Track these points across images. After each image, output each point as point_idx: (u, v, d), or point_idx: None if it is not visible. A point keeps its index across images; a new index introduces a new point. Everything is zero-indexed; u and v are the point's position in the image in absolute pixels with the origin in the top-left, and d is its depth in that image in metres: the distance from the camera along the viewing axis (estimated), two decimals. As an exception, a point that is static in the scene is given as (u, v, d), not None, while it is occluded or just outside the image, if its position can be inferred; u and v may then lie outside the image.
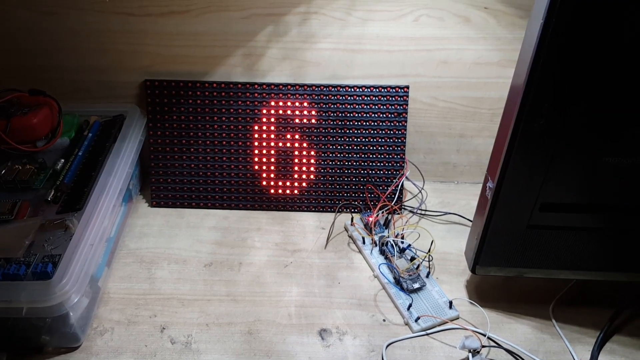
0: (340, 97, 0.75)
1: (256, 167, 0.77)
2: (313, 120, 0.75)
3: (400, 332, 0.60)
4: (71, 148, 0.71)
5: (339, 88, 0.75)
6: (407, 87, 0.75)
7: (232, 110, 0.75)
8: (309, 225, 0.75)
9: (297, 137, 0.76)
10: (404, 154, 0.76)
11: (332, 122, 0.76)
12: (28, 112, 0.68)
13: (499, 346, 0.58)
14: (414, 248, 0.69)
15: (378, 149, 0.76)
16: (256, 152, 0.76)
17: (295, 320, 0.62)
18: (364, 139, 0.76)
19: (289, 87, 0.75)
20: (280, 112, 0.75)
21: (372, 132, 0.76)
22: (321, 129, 0.76)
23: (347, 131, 0.76)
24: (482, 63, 0.75)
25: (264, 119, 0.75)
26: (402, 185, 0.77)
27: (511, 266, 0.60)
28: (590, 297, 0.64)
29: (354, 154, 0.76)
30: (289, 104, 0.75)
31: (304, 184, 0.77)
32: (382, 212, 0.75)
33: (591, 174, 0.52)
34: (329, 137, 0.76)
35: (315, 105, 0.75)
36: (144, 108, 0.76)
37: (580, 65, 0.45)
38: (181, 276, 0.67)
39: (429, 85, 0.77)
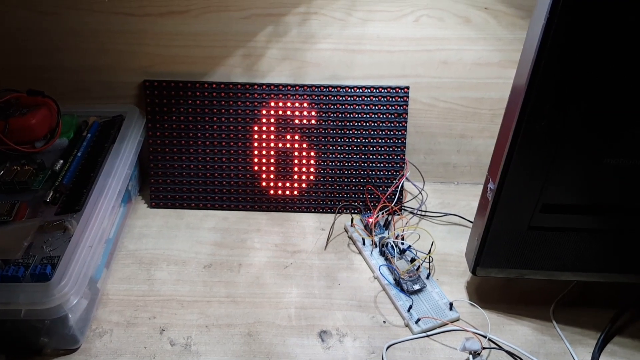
0: (340, 98, 0.75)
1: (256, 168, 0.77)
2: (313, 121, 0.75)
3: (400, 334, 0.60)
4: (70, 149, 0.71)
5: (339, 89, 0.75)
6: (408, 87, 0.75)
7: (231, 110, 0.75)
8: (309, 226, 0.75)
9: (297, 137, 0.76)
10: (404, 155, 0.76)
11: (332, 123, 0.75)
12: (26, 112, 0.68)
13: (500, 348, 0.58)
14: (414, 249, 0.69)
15: (378, 149, 0.76)
16: (256, 152, 0.76)
17: (295, 321, 0.61)
18: (364, 140, 0.76)
19: (289, 87, 0.75)
20: (280, 112, 0.75)
21: (372, 132, 0.75)
22: (321, 129, 0.76)
23: (347, 132, 0.76)
24: (482, 63, 0.75)
25: (264, 120, 0.75)
26: (402, 186, 0.76)
27: (512, 267, 0.59)
28: (591, 298, 0.64)
29: (354, 155, 0.76)
30: (288, 104, 0.75)
31: (303, 185, 0.77)
32: (382, 213, 0.75)
33: (592, 175, 0.52)
34: (328, 137, 0.76)
35: (315, 106, 0.75)
36: (143, 108, 0.76)
37: (582, 66, 0.45)
38: (180, 277, 0.66)
39: (429, 86, 0.76)
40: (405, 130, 0.75)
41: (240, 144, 0.76)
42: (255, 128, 0.75)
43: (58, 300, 0.51)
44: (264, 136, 0.76)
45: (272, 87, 0.75)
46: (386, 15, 0.72)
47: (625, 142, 0.49)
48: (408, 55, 0.74)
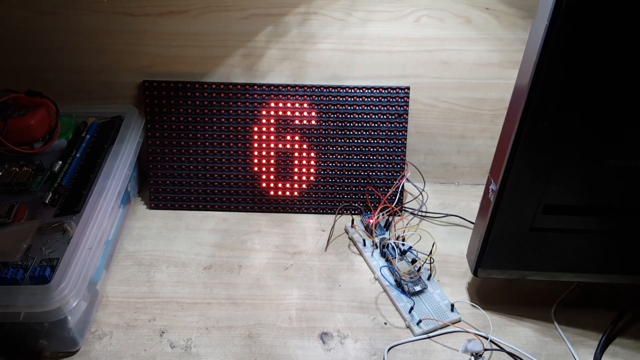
0: (341, 98, 0.74)
1: (256, 169, 0.76)
2: (313, 122, 0.75)
3: (401, 336, 0.60)
4: (69, 150, 0.70)
5: (339, 89, 0.74)
6: (408, 88, 0.74)
7: (231, 111, 0.75)
8: (309, 227, 0.75)
9: (297, 138, 0.75)
10: (404, 155, 0.76)
11: (332, 123, 0.75)
12: (25, 113, 0.67)
13: (502, 349, 0.58)
14: (415, 250, 0.68)
15: (378, 150, 0.76)
16: (256, 153, 0.76)
17: (296, 323, 0.61)
18: (364, 140, 0.75)
19: (289, 87, 0.74)
20: (280, 113, 0.75)
21: (372, 133, 0.75)
22: (321, 130, 0.75)
23: (348, 132, 0.75)
24: (483, 64, 0.74)
25: (264, 120, 0.75)
26: (402, 186, 0.76)
27: (513, 268, 0.59)
28: (592, 299, 0.64)
29: (354, 155, 0.76)
30: (288, 105, 0.75)
31: (304, 186, 0.77)
32: (383, 214, 0.74)
33: (595, 176, 0.52)
34: (329, 138, 0.75)
35: (316, 106, 0.75)
36: (142, 109, 0.75)
37: (585, 67, 0.45)
38: (180, 279, 0.66)
39: (430, 86, 0.76)
40: (406, 131, 0.75)
41: (240, 144, 0.76)
42: (255, 128, 0.75)
43: (57, 303, 0.51)
44: (264, 137, 0.75)
45: (272, 87, 0.74)
46: (386, 15, 0.71)
47: (628, 143, 0.49)
48: (408, 56, 0.74)
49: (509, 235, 0.56)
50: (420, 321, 0.60)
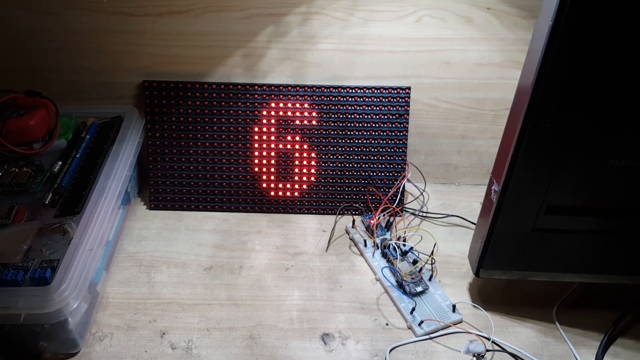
0: (341, 98, 0.74)
1: (256, 169, 0.76)
2: (314, 122, 0.75)
3: (403, 337, 0.60)
4: (68, 150, 0.70)
5: (340, 89, 0.74)
6: (409, 88, 0.74)
7: (231, 111, 0.74)
8: (310, 228, 0.75)
9: (297, 138, 0.75)
10: (405, 156, 0.76)
11: (333, 124, 0.75)
12: (24, 113, 0.67)
13: (504, 350, 0.58)
14: (416, 251, 0.68)
15: (379, 150, 0.75)
16: (256, 153, 0.76)
17: (297, 324, 0.61)
18: (365, 141, 0.75)
19: (290, 88, 0.74)
20: (281, 113, 0.75)
21: (373, 133, 0.75)
22: (322, 130, 0.75)
23: (348, 132, 0.75)
24: (484, 64, 0.74)
25: (264, 121, 0.75)
26: (403, 187, 0.76)
27: (515, 269, 0.59)
28: (594, 300, 0.64)
29: (355, 156, 0.76)
30: (289, 105, 0.74)
31: (304, 186, 0.77)
32: (384, 215, 0.74)
33: (597, 177, 0.52)
34: (329, 138, 0.75)
35: (316, 107, 0.74)
36: (142, 109, 0.75)
37: (588, 68, 0.45)
38: (181, 280, 0.66)
39: (431, 87, 0.76)
40: (407, 131, 0.75)
41: (240, 145, 0.75)
42: (256, 129, 0.75)
43: (58, 304, 0.51)
44: (264, 137, 0.75)
45: (273, 87, 0.74)
46: (388, 15, 0.71)
47: (631, 144, 0.49)
48: (409, 56, 0.74)
49: (511, 235, 0.56)
50: (421, 322, 0.60)
